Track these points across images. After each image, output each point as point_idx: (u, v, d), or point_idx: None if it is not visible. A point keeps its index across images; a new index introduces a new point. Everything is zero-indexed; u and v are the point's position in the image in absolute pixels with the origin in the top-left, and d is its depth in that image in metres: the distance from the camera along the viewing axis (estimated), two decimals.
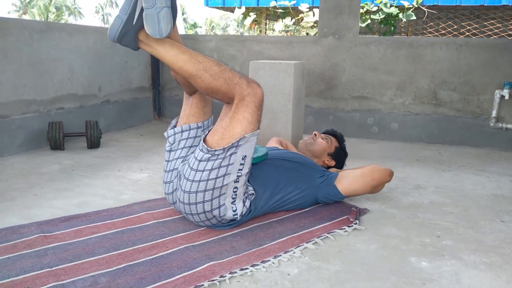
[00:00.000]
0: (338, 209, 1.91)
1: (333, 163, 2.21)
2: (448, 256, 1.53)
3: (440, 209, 2.00)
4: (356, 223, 1.74)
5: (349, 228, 1.71)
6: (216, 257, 1.43)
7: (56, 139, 2.78)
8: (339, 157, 2.24)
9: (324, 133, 2.28)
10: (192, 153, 1.64)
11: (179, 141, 1.70)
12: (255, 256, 1.45)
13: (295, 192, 1.81)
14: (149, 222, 1.71)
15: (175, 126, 1.75)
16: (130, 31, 1.49)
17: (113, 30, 1.49)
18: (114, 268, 1.34)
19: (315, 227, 1.70)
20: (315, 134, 2.19)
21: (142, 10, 1.46)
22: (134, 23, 1.47)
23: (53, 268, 1.33)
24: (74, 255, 1.42)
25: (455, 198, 2.16)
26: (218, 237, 1.59)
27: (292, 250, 1.51)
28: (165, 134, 1.75)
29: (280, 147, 2.36)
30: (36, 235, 1.55)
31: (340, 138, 2.26)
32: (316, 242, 1.58)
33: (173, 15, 1.48)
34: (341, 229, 1.69)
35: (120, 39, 1.49)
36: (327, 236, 1.63)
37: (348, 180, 1.88)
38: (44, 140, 2.88)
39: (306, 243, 1.56)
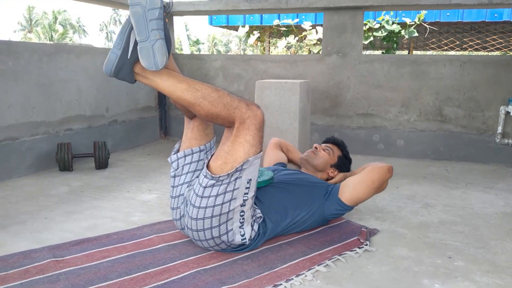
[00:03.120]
0: (348, 229, 1.90)
1: (337, 173, 2.18)
2: (461, 278, 1.52)
3: (450, 228, 2.00)
4: (366, 244, 1.74)
5: (359, 249, 1.70)
6: (228, 281, 1.42)
7: (64, 160, 2.80)
8: (343, 166, 2.18)
9: (324, 142, 2.23)
10: (196, 177, 1.64)
11: (183, 166, 1.69)
12: (267, 280, 1.44)
13: (303, 214, 1.80)
14: (160, 245, 1.71)
15: (178, 151, 1.73)
16: (126, 65, 1.49)
17: (108, 65, 1.49)
18: None
19: (326, 249, 1.69)
20: (316, 147, 2.14)
21: (136, 43, 1.47)
22: (129, 56, 1.48)
23: None
24: (87, 281, 1.41)
25: (465, 216, 2.16)
26: (229, 260, 1.59)
27: (304, 273, 1.50)
28: (169, 159, 1.73)
29: (280, 153, 2.36)
30: (48, 260, 1.55)
31: (342, 146, 2.21)
32: (327, 264, 1.58)
33: (167, 46, 1.49)
34: (352, 250, 1.69)
35: (116, 73, 1.49)
36: (338, 259, 1.62)
37: (349, 189, 1.84)
38: (53, 161, 2.90)
39: (318, 265, 1.56)
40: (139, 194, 2.42)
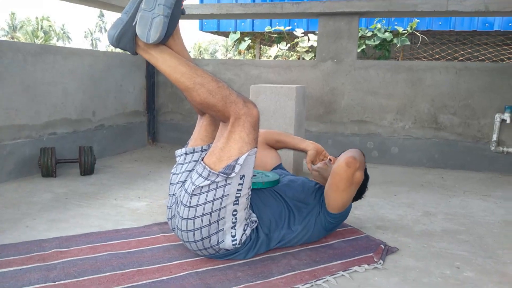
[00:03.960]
0: (364, 245, 1.77)
1: None
2: None
3: (454, 237, 1.92)
4: (380, 263, 1.60)
5: (368, 266, 1.58)
6: (216, 287, 1.38)
7: (48, 165, 2.66)
8: None
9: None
10: (190, 177, 1.56)
11: (182, 164, 1.64)
12: None
13: (300, 228, 1.70)
14: (163, 244, 1.70)
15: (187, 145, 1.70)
16: (129, 32, 1.46)
17: (112, 29, 1.47)
18: None
19: (332, 263, 1.59)
20: (330, 159, 1.99)
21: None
22: (133, 24, 1.45)
23: (56, 282, 1.37)
24: (80, 271, 1.45)
25: (467, 225, 2.09)
26: (224, 265, 1.53)
27: (298, 286, 1.41)
28: (176, 152, 1.69)
29: (272, 152, 2.13)
30: (52, 250, 1.61)
31: None
32: (327, 280, 1.46)
33: (170, 26, 1.46)
34: (360, 266, 1.57)
35: (118, 39, 1.47)
36: (342, 275, 1.51)
37: (327, 198, 1.71)
38: (36, 167, 2.75)
39: (316, 281, 1.45)
40: (127, 202, 2.29)
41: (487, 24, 6.03)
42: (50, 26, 41.07)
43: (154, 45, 1.47)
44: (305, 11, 3.48)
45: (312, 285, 1.43)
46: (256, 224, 1.59)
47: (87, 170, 2.79)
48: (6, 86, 2.57)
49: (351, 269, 1.54)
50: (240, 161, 1.43)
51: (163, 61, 1.48)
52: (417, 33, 5.91)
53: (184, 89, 1.48)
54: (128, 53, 1.52)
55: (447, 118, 3.36)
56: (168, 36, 1.49)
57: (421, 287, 1.45)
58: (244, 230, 1.54)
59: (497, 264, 1.65)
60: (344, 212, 1.78)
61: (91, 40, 47.78)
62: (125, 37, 1.47)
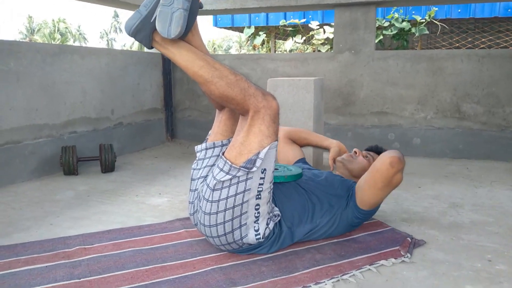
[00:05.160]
0: (390, 238, 1.72)
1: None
2: (507, 283, 1.39)
3: (483, 229, 1.86)
4: (407, 257, 1.55)
5: (395, 260, 1.53)
6: (240, 282, 1.36)
7: (69, 164, 2.68)
8: None
9: (367, 150, 2.07)
10: (211, 172, 1.54)
11: (203, 160, 1.63)
12: (282, 285, 1.34)
13: (323, 222, 1.66)
14: (185, 240, 1.70)
15: (207, 141, 1.68)
16: (147, 28, 1.45)
17: (130, 22, 1.46)
18: (136, 285, 1.34)
19: (358, 257, 1.54)
20: (355, 152, 1.97)
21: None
22: (152, 20, 1.43)
23: (81, 279, 1.37)
24: (105, 268, 1.45)
25: (496, 216, 2.03)
26: (248, 260, 1.51)
27: (324, 281, 1.37)
28: (196, 148, 1.67)
29: (294, 147, 2.14)
30: (77, 247, 1.62)
31: None
32: (354, 275, 1.42)
33: (190, 20, 1.44)
34: (387, 260, 1.53)
35: (135, 33, 1.46)
36: (369, 269, 1.47)
37: (360, 193, 1.68)
38: (57, 166, 2.78)
39: (342, 275, 1.41)
40: (148, 198, 2.29)
41: (509, 10, 5.82)
42: (66, 28, 41.68)
43: (171, 40, 1.45)
44: (321, 2, 3.42)
45: (339, 280, 1.40)
46: (279, 218, 1.57)
47: (108, 167, 2.81)
48: (25, 87, 2.60)
49: (378, 263, 1.50)
50: (261, 155, 1.41)
51: (180, 55, 1.47)
52: (436, 22, 5.75)
53: (202, 82, 1.46)
54: (145, 50, 1.51)
55: (470, 107, 3.26)
56: (188, 31, 1.47)
57: (452, 280, 1.40)
58: (267, 224, 1.52)
59: None
60: (374, 210, 1.75)
61: (107, 40, 48.35)
62: (143, 31, 1.45)
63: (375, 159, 1.91)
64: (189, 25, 1.45)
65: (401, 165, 1.58)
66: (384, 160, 1.58)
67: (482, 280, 1.40)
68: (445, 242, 1.72)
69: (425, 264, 1.52)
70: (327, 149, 2.09)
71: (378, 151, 2.02)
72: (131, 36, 1.46)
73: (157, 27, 1.41)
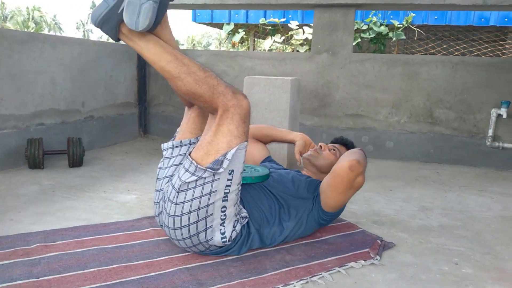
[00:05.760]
0: (360, 240, 1.72)
1: None
2: (472, 286, 1.41)
3: (451, 232, 1.89)
4: (377, 259, 1.55)
5: (365, 262, 1.53)
6: (207, 283, 1.33)
7: (35, 157, 2.58)
8: None
9: (332, 142, 2.04)
10: (177, 172, 1.50)
11: (169, 158, 1.58)
12: (250, 286, 1.32)
13: (291, 224, 1.64)
14: (152, 239, 1.65)
15: (175, 139, 1.62)
16: (113, 19, 1.39)
17: (96, 12, 1.40)
18: (98, 284, 1.29)
19: (328, 259, 1.54)
20: (321, 146, 1.93)
21: None
22: (119, 11, 1.37)
23: (40, 278, 1.31)
24: (65, 267, 1.39)
25: (464, 220, 2.06)
26: (216, 261, 1.48)
27: (293, 283, 1.36)
28: (162, 146, 1.62)
29: (259, 145, 2.09)
30: (37, 244, 1.54)
31: (350, 147, 1.97)
32: (323, 276, 1.41)
33: (159, 13, 1.39)
34: (356, 262, 1.52)
35: (101, 24, 1.40)
36: (338, 271, 1.46)
37: (324, 196, 1.66)
38: (22, 158, 2.66)
39: (311, 277, 1.40)
40: (117, 195, 2.22)
41: (483, 19, 5.99)
42: (41, 16, 40.44)
43: (138, 33, 1.40)
44: (300, 2, 3.41)
45: (307, 282, 1.38)
46: (246, 220, 1.53)
47: (76, 162, 2.71)
48: None
49: (347, 265, 1.50)
50: (229, 155, 1.36)
51: (147, 49, 1.41)
52: (413, 27, 5.85)
53: (169, 78, 1.41)
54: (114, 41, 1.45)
55: (442, 113, 3.32)
56: (157, 24, 1.41)
57: (419, 284, 1.41)
58: (234, 226, 1.47)
59: (495, 260, 1.62)
60: (338, 211, 1.74)
61: (83, 31, 47.18)
62: (109, 23, 1.39)
63: (342, 152, 1.91)
64: (159, 18, 1.39)
65: (361, 168, 1.55)
66: (343, 164, 1.56)
67: (449, 284, 1.42)
68: (414, 245, 1.73)
69: (394, 267, 1.52)
70: (292, 143, 2.03)
71: (343, 142, 2.00)
72: (97, 27, 1.40)
73: (124, 19, 1.35)
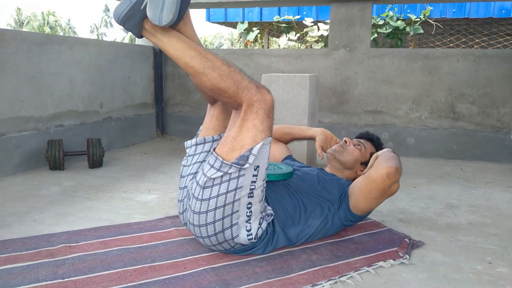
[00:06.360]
0: (387, 238, 1.67)
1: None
2: (510, 286, 1.35)
3: (481, 230, 1.82)
4: (406, 258, 1.50)
5: (394, 261, 1.48)
6: (234, 283, 1.30)
7: (55, 158, 2.59)
8: None
9: (357, 137, 1.98)
10: (201, 169, 1.47)
11: (193, 156, 1.56)
12: (277, 287, 1.29)
13: (316, 224, 1.59)
14: (176, 239, 1.63)
15: (198, 136, 1.61)
16: (136, 16, 1.37)
17: (118, 10, 1.38)
18: (124, 285, 1.28)
19: (355, 258, 1.49)
20: (346, 141, 1.88)
21: None
22: (142, 7, 1.36)
23: (65, 279, 1.30)
24: (90, 267, 1.38)
25: (494, 218, 1.99)
26: (241, 261, 1.45)
27: (322, 283, 1.32)
28: (185, 143, 1.60)
29: (279, 144, 2.06)
30: (61, 245, 1.54)
31: (376, 142, 1.93)
32: (352, 276, 1.37)
33: (182, 8, 1.36)
34: (385, 261, 1.48)
35: (124, 21, 1.38)
36: (367, 270, 1.42)
37: (354, 199, 1.61)
38: (43, 160, 2.68)
39: (340, 277, 1.36)
40: (137, 195, 2.21)
41: (503, 11, 5.82)
42: (56, 21, 41.08)
43: (162, 29, 1.38)
44: None
45: (336, 282, 1.34)
46: (272, 217, 1.50)
47: (96, 162, 2.72)
48: (10, 76, 2.49)
49: (376, 265, 1.45)
50: (254, 151, 1.34)
51: (170, 44, 1.39)
52: (430, 21, 5.73)
53: (193, 73, 1.38)
54: (136, 42, 1.43)
55: (465, 108, 3.24)
56: (180, 19, 1.39)
57: (453, 283, 1.35)
58: (260, 223, 1.45)
59: None
60: (367, 214, 1.69)
61: (97, 35, 47.77)
62: (132, 19, 1.37)
63: (367, 148, 1.87)
64: (181, 13, 1.37)
65: (398, 176, 1.49)
66: (380, 171, 1.48)
67: (484, 283, 1.36)
68: (443, 243, 1.68)
69: (424, 266, 1.47)
70: (312, 138, 1.99)
71: (369, 137, 1.94)
72: (120, 24, 1.38)
73: (148, 14, 1.34)
